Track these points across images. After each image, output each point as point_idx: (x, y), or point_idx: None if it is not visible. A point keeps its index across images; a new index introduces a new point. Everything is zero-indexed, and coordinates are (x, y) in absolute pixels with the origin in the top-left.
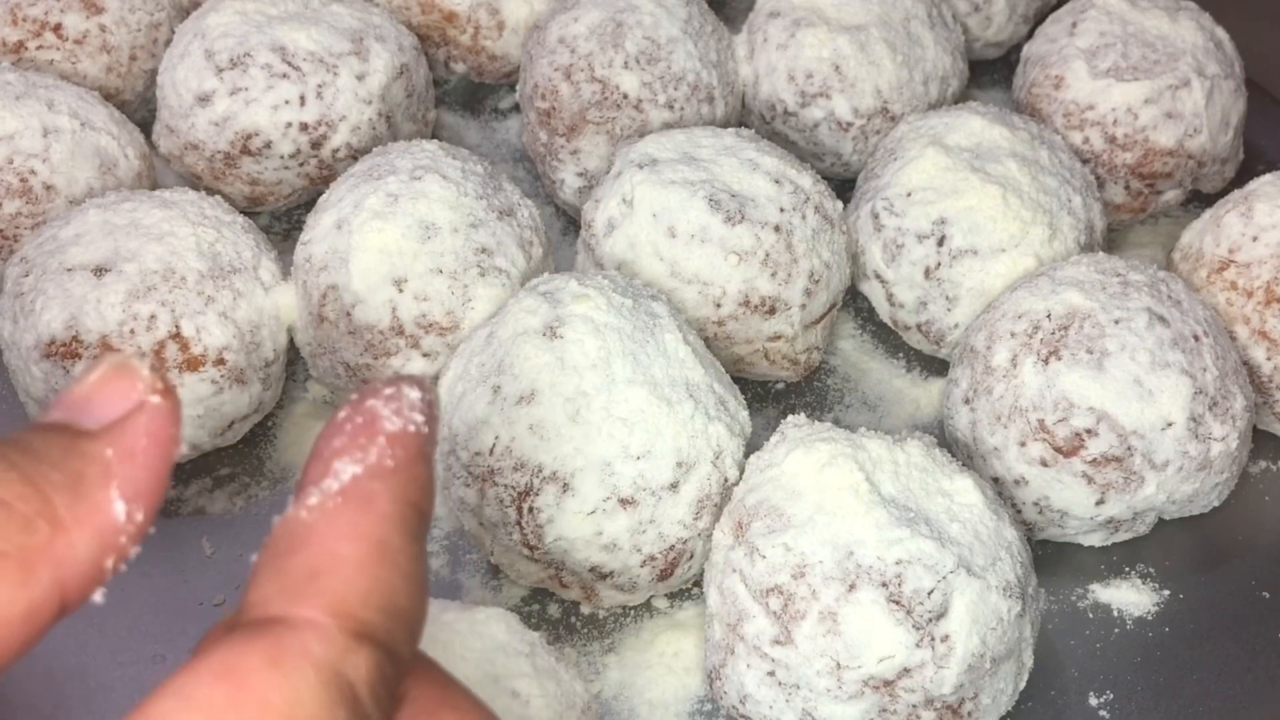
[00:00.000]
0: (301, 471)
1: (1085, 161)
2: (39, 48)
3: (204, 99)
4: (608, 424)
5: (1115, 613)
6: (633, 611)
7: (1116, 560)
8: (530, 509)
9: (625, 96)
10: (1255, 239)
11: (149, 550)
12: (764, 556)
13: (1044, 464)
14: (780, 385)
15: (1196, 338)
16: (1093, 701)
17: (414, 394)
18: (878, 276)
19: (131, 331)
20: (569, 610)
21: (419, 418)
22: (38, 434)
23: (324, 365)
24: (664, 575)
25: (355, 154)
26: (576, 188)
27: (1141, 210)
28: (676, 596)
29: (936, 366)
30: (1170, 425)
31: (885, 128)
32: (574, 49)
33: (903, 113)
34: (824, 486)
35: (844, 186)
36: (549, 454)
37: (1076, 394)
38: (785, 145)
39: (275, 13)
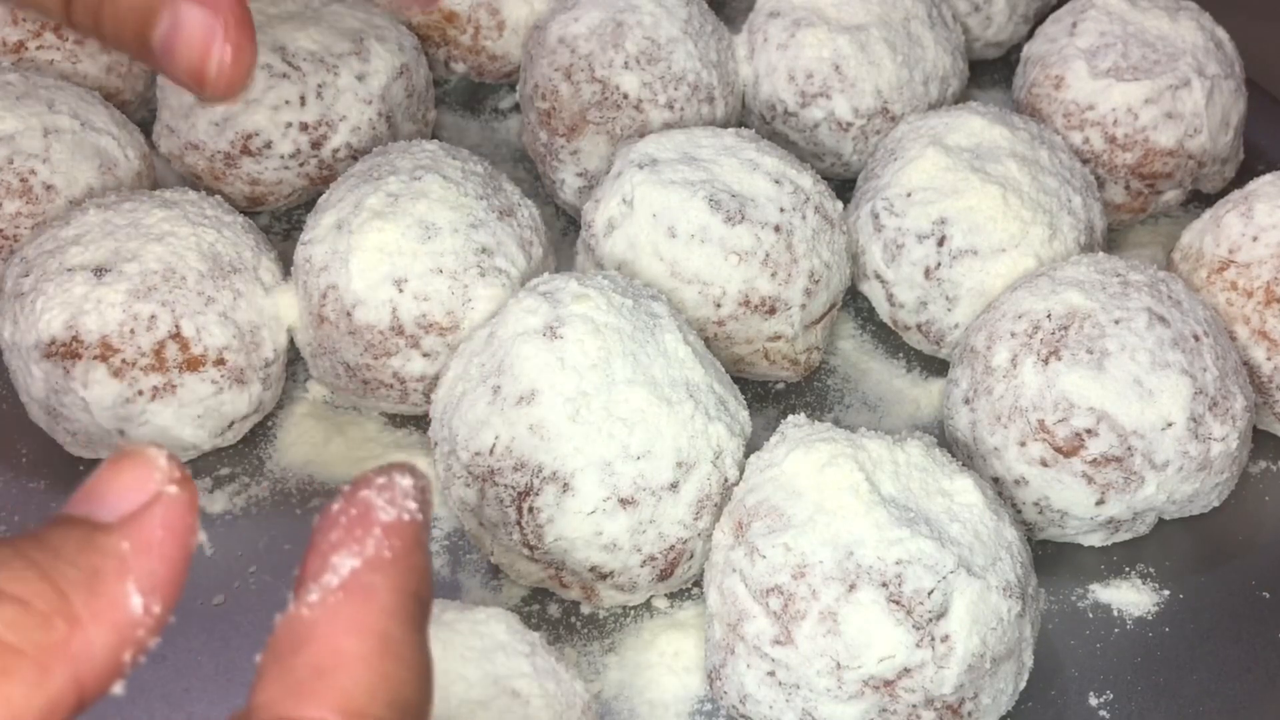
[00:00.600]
0: (300, 566)
1: (1085, 161)
2: (39, 48)
3: None
4: (608, 424)
5: (1115, 613)
6: (633, 611)
7: (1116, 560)
8: (530, 509)
9: (625, 96)
10: (1255, 239)
11: None
12: (764, 556)
13: (1044, 464)
14: (780, 385)
15: (1196, 338)
16: (1093, 701)
17: (406, 482)
18: (878, 276)
19: (132, 331)
20: (569, 610)
21: (413, 505)
22: (55, 529)
23: (324, 365)
24: (664, 575)
25: (355, 154)
26: (576, 188)
27: (1141, 210)
28: (676, 596)
29: (936, 366)
30: (1170, 425)
31: (885, 128)
32: (574, 49)
33: (903, 113)
34: (824, 486)
35: (844, 186)
36: (549, 454)
37: (1076, 394)
38: (785, 145)
39: (275, 12)
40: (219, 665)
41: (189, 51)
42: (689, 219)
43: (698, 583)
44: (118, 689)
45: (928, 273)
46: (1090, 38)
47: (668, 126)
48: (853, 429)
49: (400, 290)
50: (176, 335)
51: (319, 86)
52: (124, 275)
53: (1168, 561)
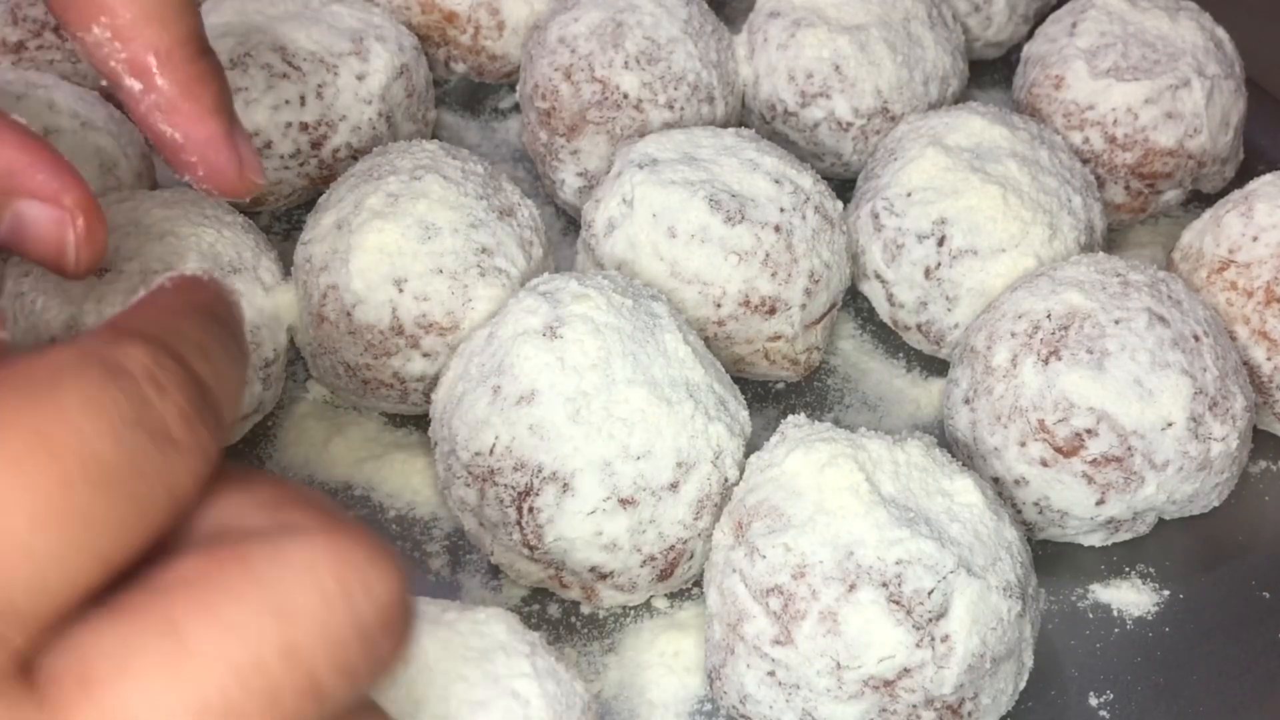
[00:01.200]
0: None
1: (1085, 161)
2: (39, 48)
3: None
4: (608, 424)
5: (1115, 613)
6: (633, 611)
7: (1116, 560)
8: (530, 509)
9: (625, 96)
10: (1255, 239)
11: None
12: (764, 556)
13: (1044, 464)
14: (780, 385)
15: (1196, 338)
16: (1093, 701)
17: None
18: (878, 276)
19: None
20: (569, 610)
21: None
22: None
23: (324, 365)
24: (664, 575)
25: (355, 154)
26: (576, 188)
27: (1141, 210)
28: (676, 596)
29: (936, 366)
30: (1170, 425)
31: (885, 128)
32: (574, 49)
33: (903, 113)
34: (824, 486)
35: (844, 186)
36: (549, 454)
37: (1076, 394)
38: (785, 145)
39: (275, 13)
40: None
41: (41, 246)
42: (689, 219)
43: (698, 583)
44: None
45: (928, 273)
46: (1090, 38)
47: (668, 126)
48: (853, 429)
49: (400, 290)
50: None
51: (319, 86)
52: (124, 275)
53: (1168, 561)
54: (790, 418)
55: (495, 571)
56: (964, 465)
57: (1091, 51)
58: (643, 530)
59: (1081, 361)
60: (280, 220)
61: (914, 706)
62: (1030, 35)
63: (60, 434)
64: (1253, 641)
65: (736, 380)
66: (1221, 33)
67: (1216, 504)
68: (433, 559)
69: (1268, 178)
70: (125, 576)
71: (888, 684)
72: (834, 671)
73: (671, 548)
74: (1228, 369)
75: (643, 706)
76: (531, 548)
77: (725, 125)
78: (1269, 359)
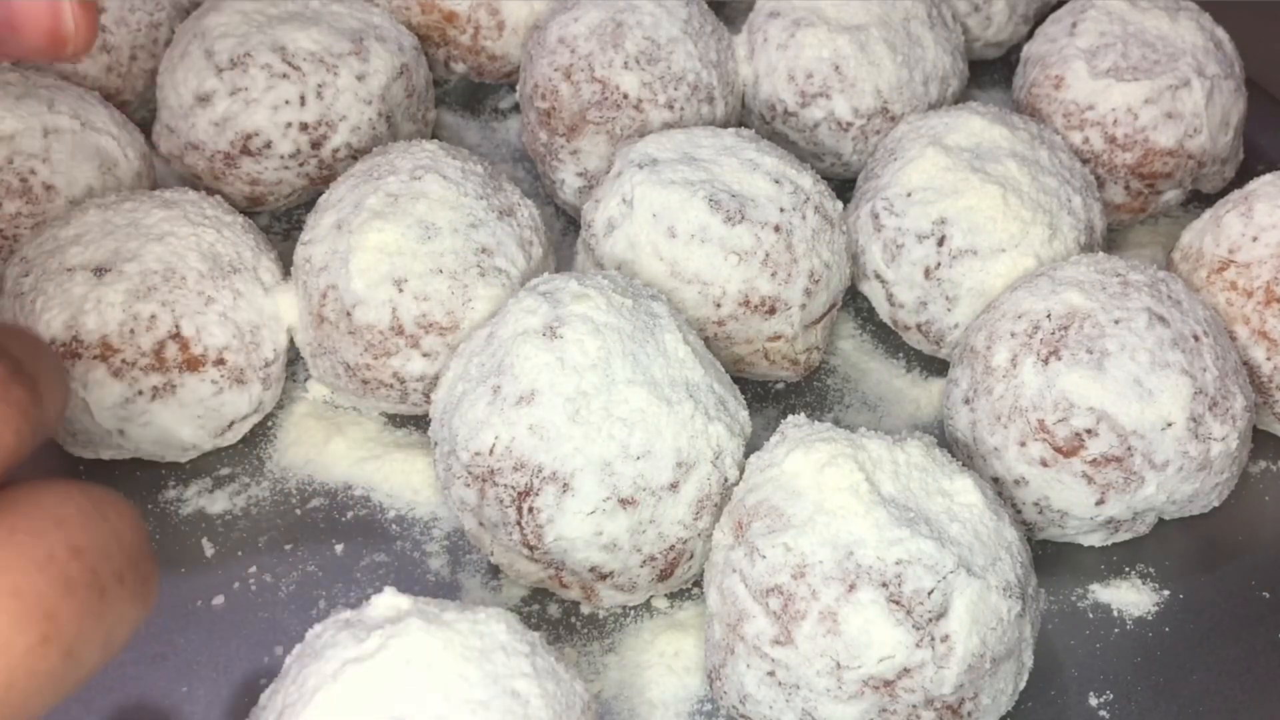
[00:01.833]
0: None
1: (1085, 161)
2: None
3: (204, 99)
4: (608, 424)
5: (1115, 613)
6: (633, 611)
7: (1116, 560)
8: (530, 509)
9: (625, 96)
10: (1255, 239)
11: None
12: (764, 556)
13: (1044, 464)
14: (780, 385)
15: (1196, 338)
16: (1093, 701)
17: None
18: (878, 276)
19: (132, 331)
20: (569, 610)
21: None
22: None
23: (324, 365)
24: (664, 575)
25: (355, 154)
26: (576, 188)
27: (1141, 210)
28: (676, 596)
29: (936, 366)
30: (1170, 425)
31: (885, 128)
32: (574, 49)
33: (903, 113)
34: (824, 486)
35: (844, 186)
36: (549, 454)
37: (1076, 394)
38: (785, 145)
39: (275, 13)
40: (219, 665)
41: (34, 29)
42: (689, 219)
43: (698, 583)
44: None
45: (927, 273)
46: (1090, 38)
47: (668, 126)
48: (853, 429)
49: (400, 290)
50: (176, 335)
51: (319, 86)
52: (124, 275)
53: (1168, 561)
54: (790, 418)
55: (495, 571)
56: (964, 465)
57: (1091, 51)
58: (643, 530)
59: (1081, 361)
60: (280, 220)
61: (914, 706)
62: (1030, 35)
63: None
64: (1253, 641)
65: (736, 380)
66: (1221, 33)
67: (1216, 504)
68: (433, 559)
69: (1268, 178)
70: None
71: (888, 684)
72: (834, 671)
73: (671, 548)
74: (1228, 369)
75: (643, 706)
76: (531, 548)
77: (725, 125)
78: (1269, 359)
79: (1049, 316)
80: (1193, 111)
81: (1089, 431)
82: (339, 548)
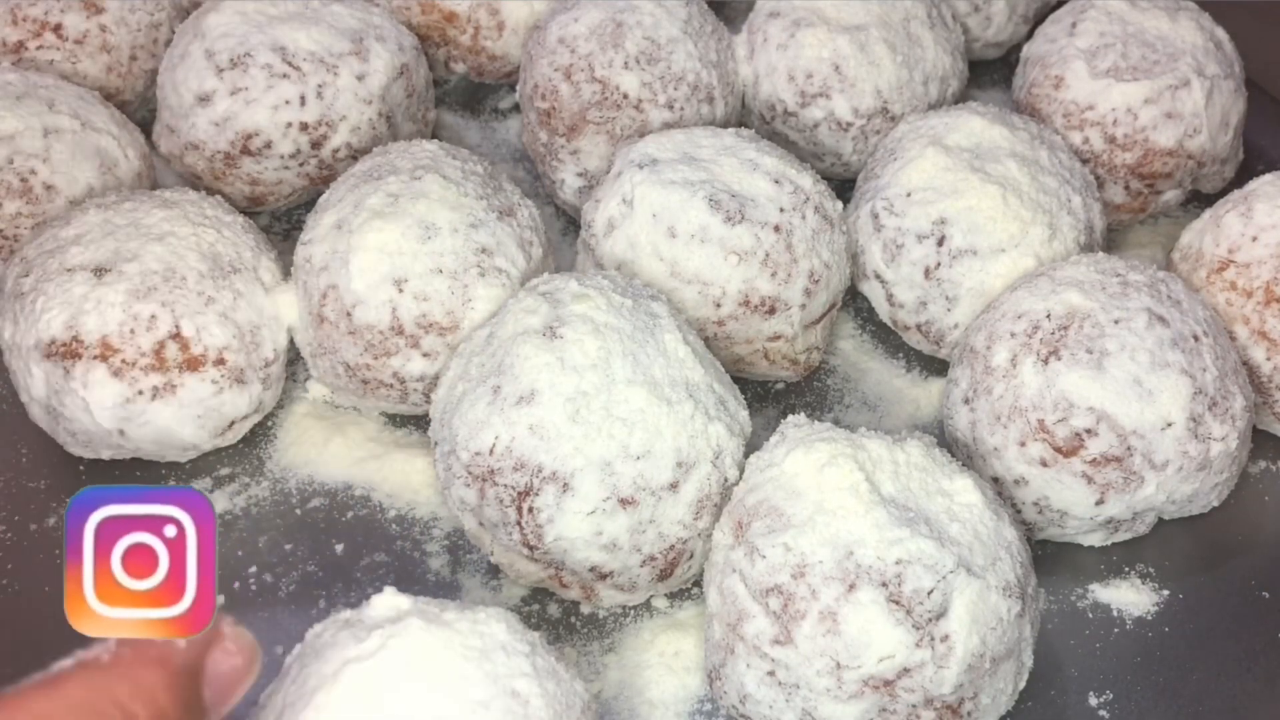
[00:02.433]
0: None
1: (1085, 161)
2: (39, 48)
3: (204, 99)
4: (608, 424)
5: (1115, 613)
6: (633, 611)
7: (1116, 560)
8: (530, 509)
9: (625, 96)
10: (1255, 239)
11: None
12: (764, 556)
13: (1044, 464)
14: (780, 385)
15: (1196, 338)
16: (1093, 701)
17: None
18: (878, 276)
19: (132, 332)
20: (569, 610)
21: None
22: None
23: (324, 365)
24: (664, 575)
25: (355, 154)
26: (576, 188)
27: (1141, 210)
28: (676, 596)
29: (936, 366)
30: (1170, 425)
31: (885, 128)
32: (574, 49)
33: (903, 113)
34: (824, 486)
35: (844, 186)
36: (549, 454)
37: (1076, 394)
38: (785, 145)
39: (275, 13)
40: None
41: (221, 681)
42: (689, 219)
43: (698, 583)
44: None
45: (927, 273)
46: (1090, 38)
47: (668, 126)
48: (853, 429)
49: (400, 290)
50: (177, 335)
51: (319, 86)
52: (124, 275)
53: (1168, 561)
54: (790, 418)
55: (495, 571)
56: (964, 465)
57: (1091, 51)
58: (643, 530)
59: (1081, 361)
60: (280, 220)
61: (914, 706)
62: (1030, 35)
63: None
64: (1253, 641)
65: (736, 380)
66: (1221, 33)
67: (1216, 504)
68: (433, 559)
69: (1267, 178)
70: None
71: (887, 684)
72: (834, 671)
73: (671, 548)
74: (1227, 369)
75: (643, 706)
76: (531, 548)
77: (725, 125)
78: (1269, 359)
79: (1049, 316)
80: (1192, 112)
81: (1089, 431)
82: (339, 548)
